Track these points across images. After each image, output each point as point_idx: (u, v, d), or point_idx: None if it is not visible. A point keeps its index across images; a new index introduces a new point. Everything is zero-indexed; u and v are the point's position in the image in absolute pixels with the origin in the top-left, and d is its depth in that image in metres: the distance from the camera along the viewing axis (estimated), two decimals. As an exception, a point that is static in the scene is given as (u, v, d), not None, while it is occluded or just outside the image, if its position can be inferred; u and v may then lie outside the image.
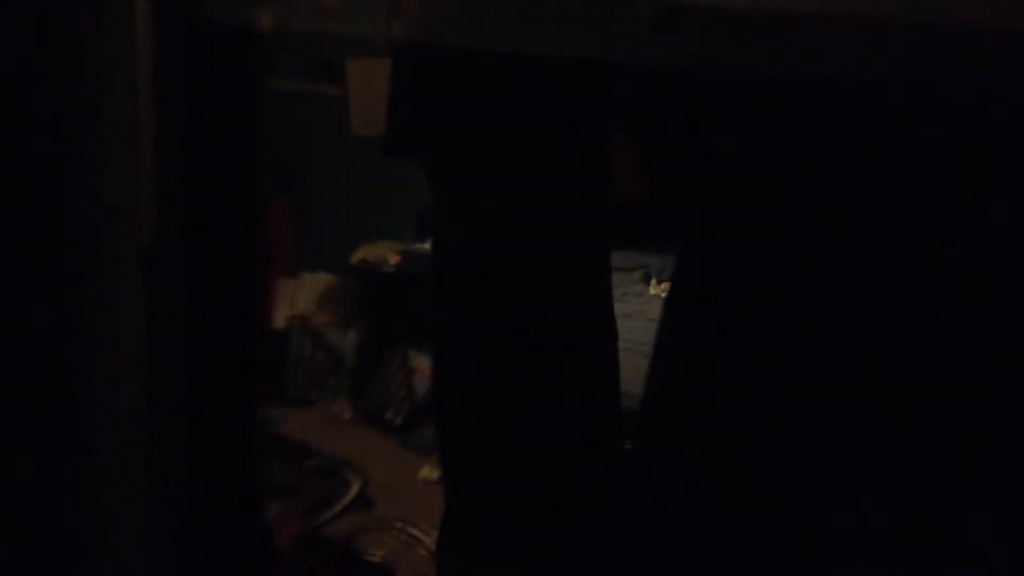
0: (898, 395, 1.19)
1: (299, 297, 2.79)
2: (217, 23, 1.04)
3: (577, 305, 1.64)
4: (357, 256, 2.76)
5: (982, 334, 1.15)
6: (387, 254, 2.73)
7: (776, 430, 1.24)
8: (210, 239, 1.07)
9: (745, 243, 1.27)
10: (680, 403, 1.37)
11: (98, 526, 1.00)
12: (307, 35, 1.79)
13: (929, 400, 1.18)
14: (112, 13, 0.91)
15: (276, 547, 2.03)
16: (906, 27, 0.91)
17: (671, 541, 1.37)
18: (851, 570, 1.21)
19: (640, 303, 2.46)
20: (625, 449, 1.65)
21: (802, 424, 1.23)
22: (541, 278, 1.60)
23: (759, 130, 1.24)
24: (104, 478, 0.99)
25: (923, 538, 1.18)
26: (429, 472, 2.41)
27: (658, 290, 2.55)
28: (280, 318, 2.71)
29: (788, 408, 1.23)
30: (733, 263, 1.28)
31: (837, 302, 1.20)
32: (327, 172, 2.62)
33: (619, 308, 1.79)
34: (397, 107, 1.64)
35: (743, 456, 1.27)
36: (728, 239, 1.31)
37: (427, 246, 2.72)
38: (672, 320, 1.41)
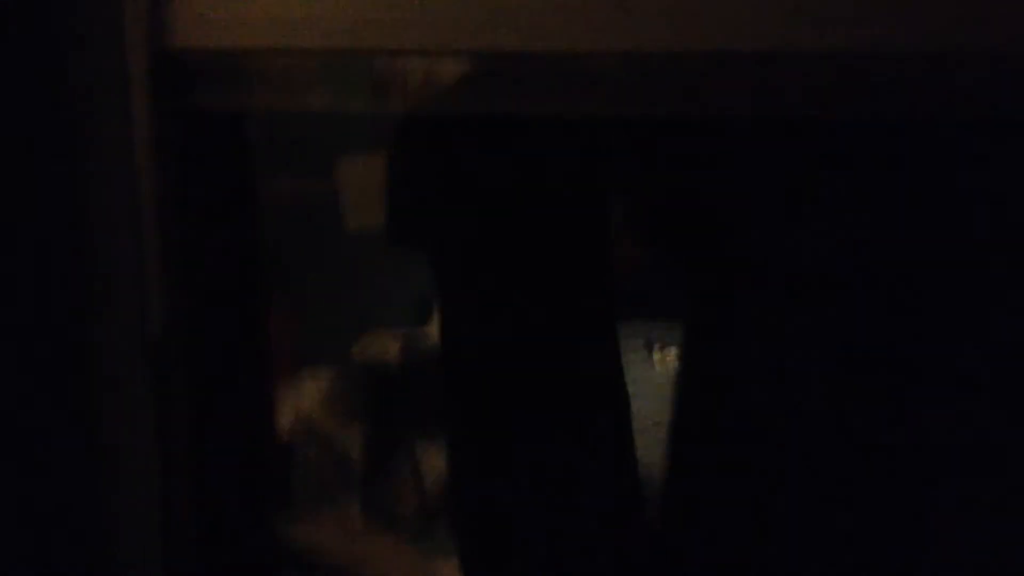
0: (923, 466, 1.17)
1: (301, 396, 2.77)
2: (212, 113, 1.06)
3: (587, 376, 1.64)
4: (357, 348, 2.74)
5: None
6: (388, 343, 2.72)
7: (800, 499, 1.23)
8: (216, 331, 1.08)
9: (752, 308, 1.28)
10: (703, 473, 1.35)
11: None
12: (297, 135, 1.84)
13: (953, 461, 1.17)
14: (110, 111, 0.93)
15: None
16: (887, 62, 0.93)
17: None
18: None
19: (642, 371, 2.44)
20: (645, 521, 1.63)
21: (827, 497, 1.21)
22: (550, 353, 1.60)
23: (755, 195, 1.25)
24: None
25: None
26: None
27: (660, 356, 2.55)
28: (283, 419, 2.68)
29: (812, 476, 1.22)
30: (743, 331, 1.28)
31: (853, 360, 1.19)
32: (321, 268, 2.63)
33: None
34: (395, 196, 1.67)
35: (768, 527, 1.25)
36: (734, 305, 1.31)
37: (428, 329, 2.72)
38: (688, 391, 1.40)
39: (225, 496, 1.13)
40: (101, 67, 0.90)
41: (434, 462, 2.61)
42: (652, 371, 2.49)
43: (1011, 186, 1.09)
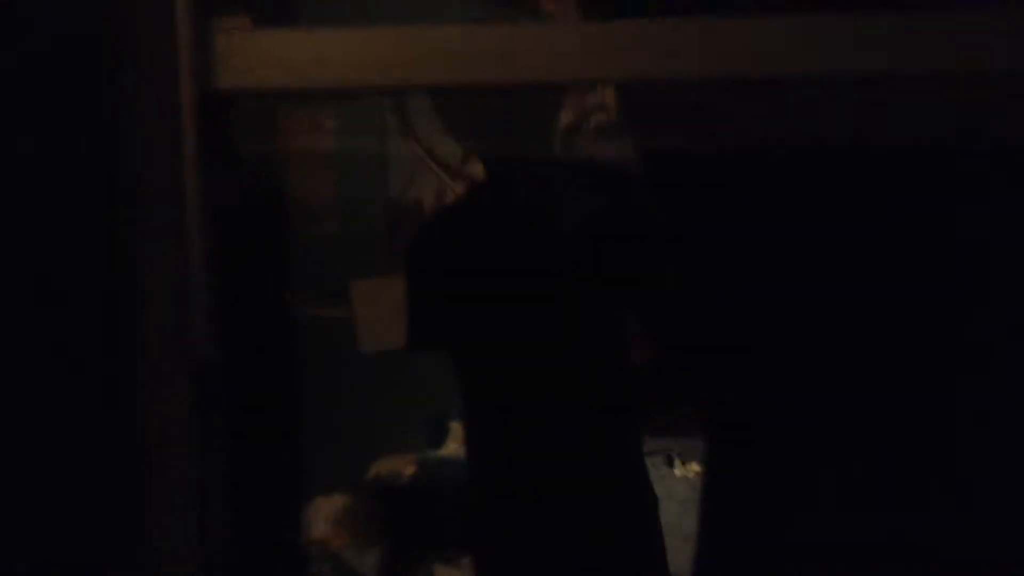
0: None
1: (314, 521, 2.73)
2: (251, 166, 1.12)
3: (613, 472, 1.62)
4: (371, 472, 2.72)
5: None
6: (402, 466, 2.69)
7: None
8: (253, 354, 1.11)
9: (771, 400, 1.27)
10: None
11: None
12: (308, 265, 1.88)
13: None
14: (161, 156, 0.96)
15: None
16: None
17: None
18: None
19: (665, 486, 2.41)
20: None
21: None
22: (573, 450, 1.58)
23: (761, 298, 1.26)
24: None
25: None
26: None
27: (683, 471, 2.52)
28: (298, 543, 2.64)
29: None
30: (765, 429, 1.27)
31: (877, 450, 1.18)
32: (333, 393, 2.63)
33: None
34: (417, 304, 1.70)
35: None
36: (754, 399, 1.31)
37: (442, 452, 2.69)
38: (713, 498, 1.39)
39: (258, 486, 1.14)
40: (154, 101, 0.94)
41: (453, 584, 2.55)
42: (676, 486, 2.46)
43: None
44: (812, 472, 1.17)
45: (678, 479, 2.50)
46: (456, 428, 2.71)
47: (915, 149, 1.07)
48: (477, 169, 2.15)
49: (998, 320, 1.12)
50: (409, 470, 2.66)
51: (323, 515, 2.70)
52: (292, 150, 1.33)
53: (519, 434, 1.62)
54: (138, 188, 0.96)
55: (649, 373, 1.65)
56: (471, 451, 1.69)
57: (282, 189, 1.29)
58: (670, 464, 2.61)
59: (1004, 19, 0.91)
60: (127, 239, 0.96)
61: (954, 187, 1.12)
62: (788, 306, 1.19)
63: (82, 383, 0.95)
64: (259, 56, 0.97)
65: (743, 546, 1.27)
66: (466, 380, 1.71)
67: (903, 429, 1.15)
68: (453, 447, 2.69)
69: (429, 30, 0.95)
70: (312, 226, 2.42)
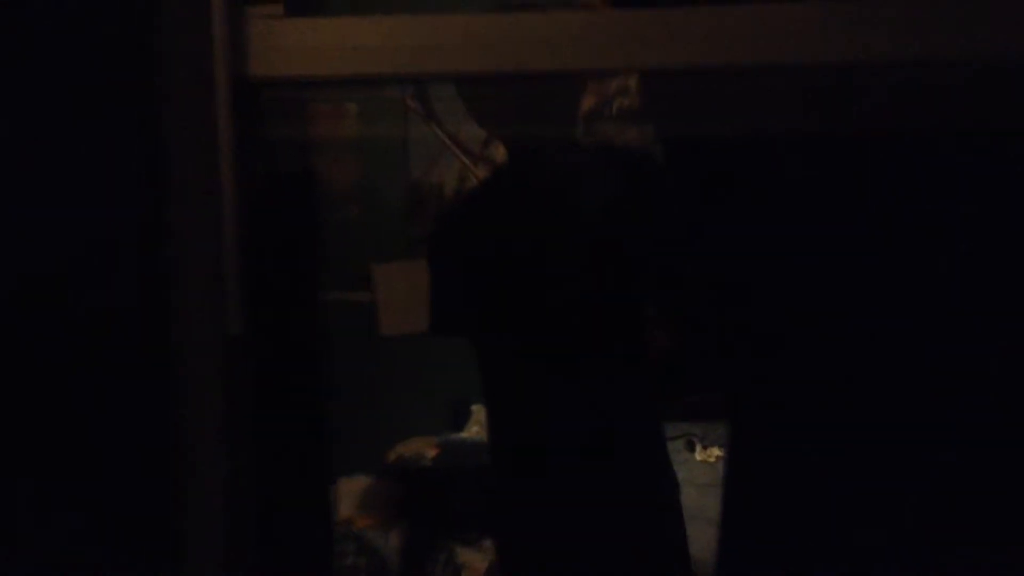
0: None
1: (338, 502, 2.76)
2: (282, 149, 1.14)
3: (634, 457, 1.62)
4: (394, 454, 2.74)
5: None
6: (424, 448, 2.71)
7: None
8: (281, 334, 1.13)
9: (787, 387, 1.27)
10: (753, 563, 1.33)
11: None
12: (332, 249, 1.89)
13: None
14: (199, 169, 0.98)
15: None
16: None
17: None
18: None
19: (686, 471, 2.42)
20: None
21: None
22: (594, 433, 1.59)
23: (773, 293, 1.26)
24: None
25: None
26: None
27: (703, 456, 2.52)
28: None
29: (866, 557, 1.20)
30: (783, 415, 1.27)
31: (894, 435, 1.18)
32: (356, 376, 2.65)
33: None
34: (440, 289, 1.71)
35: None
36: (772, 387, 1.31)
37: (464, 435, 2.71)
38: (737, 483, 1.39)
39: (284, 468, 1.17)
40: (189, 92, 0.96)
41: (473, 564, 2.57)
42: (696, 470, 2.46)
43: None
44: (832, 459, 1.18)
45: (699, 463, 2.50)
46: (478, 411, 2.72)
47: (945, 139, 1.07)
48: (499, 153, 2.15)
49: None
50: (431, 452, 2.68)
51: (347, 496, 2.72)
52: (315, 135, 1.34)
53: (539, 419, 1.62)
54: (174, 172, 0.98)
55: (667, 359, 1.65)
56: (492, 435, 1.70)
57: (309, 174, 1.31)
58: (691, 449, 2.62)
59: (1005, 5, 0.90)
60: (163, 222, 0.98)
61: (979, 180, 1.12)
62: (807, 294, 1.19)
63: (118, 359, 0.97)
64: (291, 44, 0.98)
65: (765, 532, 1.28)
66: (487, 365, 1.72)
67: (923, 417, 1.15)
68: (475, 430, 2.71)
69: (457, 19, 0.96)
70: (335, 210, 2.43)
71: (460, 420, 2.77)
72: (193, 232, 0.99)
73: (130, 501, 0.98)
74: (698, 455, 2.55)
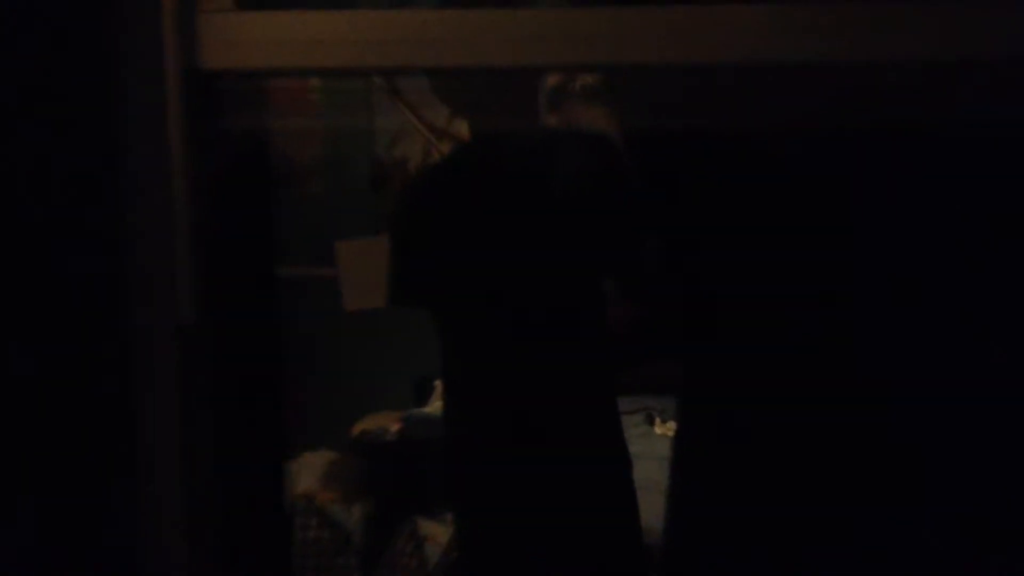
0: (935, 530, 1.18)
1: (301, 476, 2.77)
2: (236, 135, 1.15)
3: (588, 432, 1.65)
4: (357, 429, 2.76)
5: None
6: (387, 423, 2.73)
7: (799, 553, 1.24)
8: (236, 321, 1.14)
9: (740, 365, 1.30)
10: (702, 534, 1.37)
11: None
12: (297, 225, 1.90)
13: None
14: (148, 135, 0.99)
15: None
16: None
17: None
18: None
19: (646, 443, 2.46)
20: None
21: (820, 543, 1.22)
22: (550, 407, 1.61)
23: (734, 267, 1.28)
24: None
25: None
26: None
27: (663, 429, 2.56)
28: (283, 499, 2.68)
29: (809, 529, 1.23)
30: (733, 386, 1.30)
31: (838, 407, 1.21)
32: (319, 350, 2.66)
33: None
34: (399, 260, 1.72)
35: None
36: (722, 362, 1.34)
37: (427, 410, 2.73)
38: (683, 456, 1.42)
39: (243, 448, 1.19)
40: (141, 84, 0.97)
41: (436, 537, 2.60)
42: (654, 443, 2.51)
43: None
44: (781, 434, 1.21)
45: (658, 437, 2.55)
46: (440, 386, 2.74)
47: (882, 131, 1.09)
48: (463, 129, 2.15)
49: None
50: (394, 427, 2.70)
51: (310, 470, 2.73)
52: (277, 111, 1.34)
53: (496, 392, 1.65)
54: (126, 162, 0.98)
55: (623, 335, 1.67)
56: (449, 408, 1.72)
57: (268, 151, 1.31)
58: (650, 422, 2.66)
59: (1002, 5, 0.93)
60: (116, 210, 0.98)
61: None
62: (762, 272, 1.21)
63: (71, 349, 0.97)
64: (241, 37, 0.98)
65: (712, 505, 1.31)
66: (446, 338, 1.73)
67: (876, 390, 1.18)
68: (438, 405, 2.72)
69: (408, 14, 0.97)
70: (298, 187, 2.42)
71: (423, 395, 2.79)
72: (146, 225, 0.99)
73: (87, 495, 0.99)
74: (657, 428, 2.60)
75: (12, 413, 0.97)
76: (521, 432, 1.62)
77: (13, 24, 0.93)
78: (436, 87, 1.80)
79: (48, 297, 0.97)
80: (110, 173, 0.98)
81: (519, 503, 1.60)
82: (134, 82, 0.97)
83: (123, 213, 0.98)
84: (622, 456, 1.68)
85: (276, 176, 1.34)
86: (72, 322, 0.98)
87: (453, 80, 1.67)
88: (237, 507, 1.17)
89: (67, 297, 0.97)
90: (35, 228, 0.97)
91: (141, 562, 1.00)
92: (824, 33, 0.92)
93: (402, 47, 0.96)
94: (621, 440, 1.71)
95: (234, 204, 1.15)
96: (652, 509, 1.61)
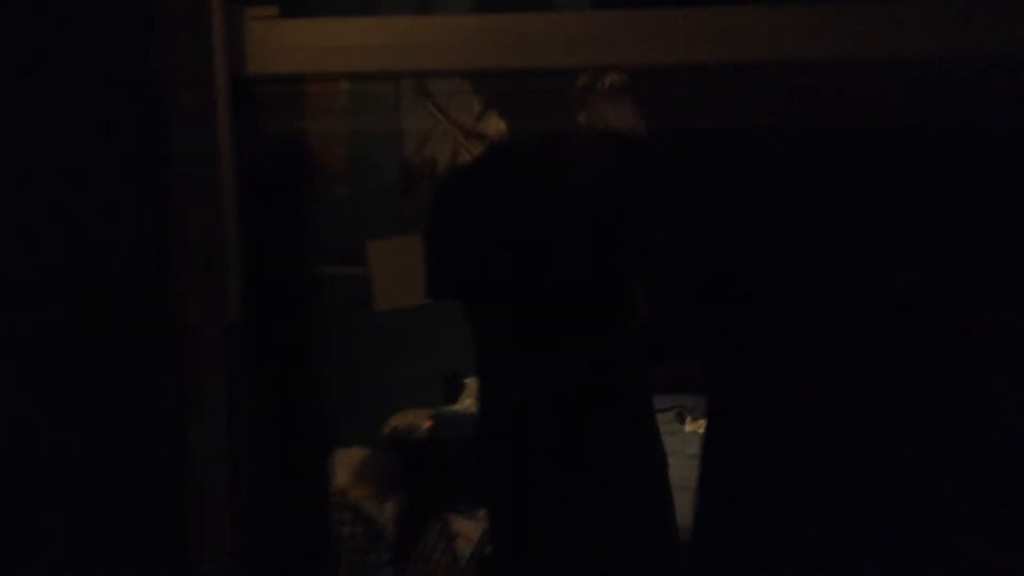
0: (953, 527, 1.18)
1: (334, 473, 2.80)
2: (274, 138, 1.18)
3: (625, 428, 1.66)
4: (389, 426, 2.78)
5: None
6: (418, 421, 2.75)
7: (816, 543, 1.24)
8: (279, 321, 1.17)
9: (766, 362, 1.30)
10: (730, 530, 1.37)
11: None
12: (328, 226, 1.92)
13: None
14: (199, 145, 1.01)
15: None
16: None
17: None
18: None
19: (677, 441, 2.46)
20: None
21: (851, 543, 1.23)
22: (586, 404, 1.62)
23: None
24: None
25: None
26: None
27: (693, 427, 2.56)
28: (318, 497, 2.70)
29: (836, 528, 1.24)
30: (760, 383, 1.31)
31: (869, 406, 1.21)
32: (351, 349, 2.69)
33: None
34: (436, 255, 1.74)
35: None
36: (749, 359, 1.34)
37: (457, 408, 2.75)
38: (712, 452, 1.43)
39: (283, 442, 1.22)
40: (191, 89, 0.99)
41: (468, 533, 2.62)
42: (685, 441, 2.51)
43: None
44: (806, 429, 1.21)
45: (688, 434, 2.55)
46: (471, 384, 2.76)
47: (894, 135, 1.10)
48: (490, 127, 2.17)
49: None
50: (426, 424, 2.72)
51: (343, 467, 2.76)
52: (309, 118, 1.37)
53: (531, 388, 1.65)
54: (176, 165, 1.01)
55: (649, 331, 1.68)
56: (484, 405, 1.73)
57: (304, 154, 1.34)
58: (681, 420, 2.66)
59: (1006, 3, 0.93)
60: (168, 212, 1.01)
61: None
62: (786, 269, 1.22)
63: (124, 345, 1.01)
64: (286, 43, 1.01)
65: (740, 500, 1.32)
66: (481, 335, 1.74)
67: (901, 385, 1.18)
68: (468, 402, 2.75)
69: (442, 19, 0.99)
70: (329, 187, 2.45)
71: (453, 393, 2.81)
72: (195, 225, 1.02)
73: (135, 490, 1.02)
74: (687, 426, 2.60)
75: (70, 406, 1.00)
76: (557, 428, 1.63)
77: (74, 34, 0.96)
78: (478, 87, 1.82)
79: (103, 298, 1.00)
80: (162, 176, 1.01)
81: (554, 500, 1.62)
82: (185, 88, 1.00)
83: (174, 215, 1.01)
84: (658, 453, 1.68)
85: (312, 178, 1.37)
86: (126, 323, 1.01)
87: (496, 79, 1.69)
88: (281, 499, 1.20)
89: (121, 298, 1.00)
90: (90, 229, 1.00)
91: (190, 550, 1.03)
92: (863, 31, 0.92)
93: (438, 51, 0.98)
94: (657, 437, 1.71)
95: (275, 205, 1.18)
96: (683, 507, 1.62)
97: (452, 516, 2.63)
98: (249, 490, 1.07)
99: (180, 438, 1.02)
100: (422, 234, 1.78)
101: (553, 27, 0.96)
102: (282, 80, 1.06)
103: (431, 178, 2.43)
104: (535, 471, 1.65)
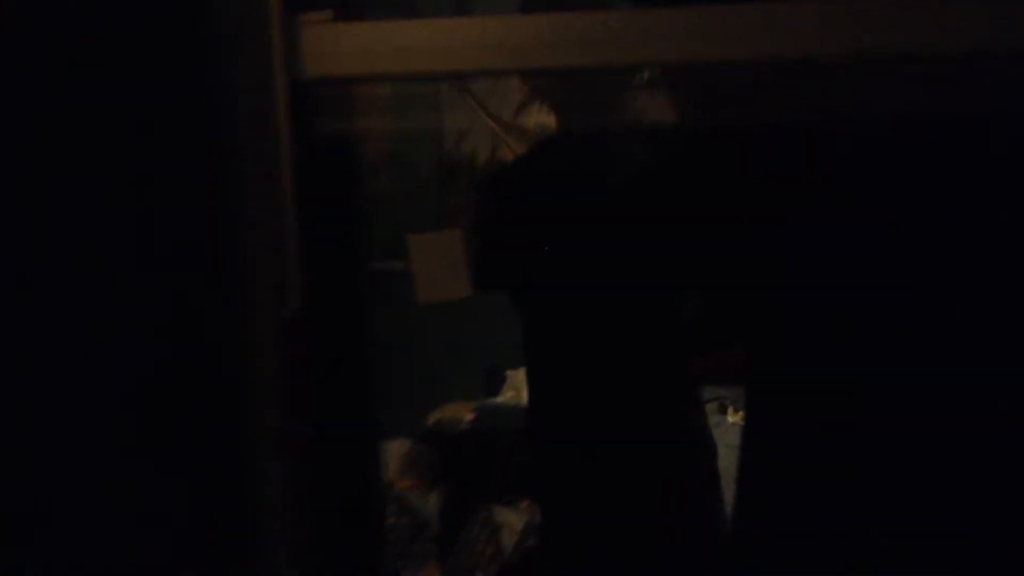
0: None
1: (381, 464, 2.83)
2: (327, 136, 1.21)
3: (673, 420, 1.66)
4: (432, 419, 2.81)
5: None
6: (461, 413, 2.78)
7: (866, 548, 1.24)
8: (334, 314, 1.20)
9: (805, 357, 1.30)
10: (766, 523, 1.37)
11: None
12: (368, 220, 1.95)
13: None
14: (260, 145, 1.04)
15: None
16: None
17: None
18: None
19: (719, 433, 2.47)
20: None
21: (890, 540, 1.22)
22: (635, 395, 1.63)
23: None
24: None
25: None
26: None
27: (735, 418, 2.56)
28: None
29: (877, 526, 1.23)
30: (800, 377, 1.30)
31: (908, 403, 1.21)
32: (395, 343, 2.72)
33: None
34: (486, 246, 1.76)
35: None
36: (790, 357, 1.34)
37: (499, 400, 2.77)
38: (752, 443, 1.43)
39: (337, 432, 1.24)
40: (252, 92, 1.02)
41: (511, 524, 2.64)
42: (728, 432, 2.51)
43: None
44: (848, 423, 1.21)
45: (731, 426, 2.55)
46: (512, 377, 2.78)
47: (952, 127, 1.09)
48: (530, 121, 2.18)
49: None
50: (468, 416, 2.75)
51: (388, 459, 2.79)
52: (355, 112, 1.40)
53: (581, 380, 1.67)
54: (238, 169, 1.03)
55: (694, 323, 1.68)
56: (533, 396, 1.75)
57: (355, 151, 1.37)
58: (723, 411, 2.66)
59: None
60: (230, 212, 1.04)
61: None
62: (832, 261, 1.22)
63: (184, 339, 1.03)
64: (340, 46, 1.04)
65: (779, 493, 1.32)
66: (530, 327, 1.76)
67: (951, 382, 1.17)
68: (509, 395, 2.77)
69: (493, 20, 1.01)
70: (370, 183, 2.47)
71: (495, 386, 2.83)
72: (258, 223, 1.05)
73: (202, 483, 1.05)
74: (730, 417, 2.60)
75: (135, 402, 1.02)
76: (606, 420, 1.64)
77: (139, 40, 0.98)
78: (535, 87, 1.85)
79: (165, 292, 1.02)
80: (225, 177, 1.03)
81: (604, 491, 1.63)
82: (246, 91, 1.02)
83: (239, 216, 1.03)
84: (707, 444, 1.69)
85: (361, 175, 1.40)
86: (190, 319, 1.03)
87: (550, 77, 1.71)
88: (336, 492, 1.22)
89: (185, 293, 1.03)
90: (156, 228, 1.02)
91: (248, 541, 1.05)
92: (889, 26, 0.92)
93: (486, 51, 1.00)
94: (706, 428, 1.71)
95: (329, 202, 1.21)
96: (727, 499, 1.62)
97: (496, 507, 2.65)
98: (308, 481, 1.10)
99: (235, 432, 1.04)
100: (465, 227, 1.79)
101: (605, 26, 0.97)
102: (338, 82, 1.09)
103: (471, 172, 2.45)
104: (586, 462, 1.66)
